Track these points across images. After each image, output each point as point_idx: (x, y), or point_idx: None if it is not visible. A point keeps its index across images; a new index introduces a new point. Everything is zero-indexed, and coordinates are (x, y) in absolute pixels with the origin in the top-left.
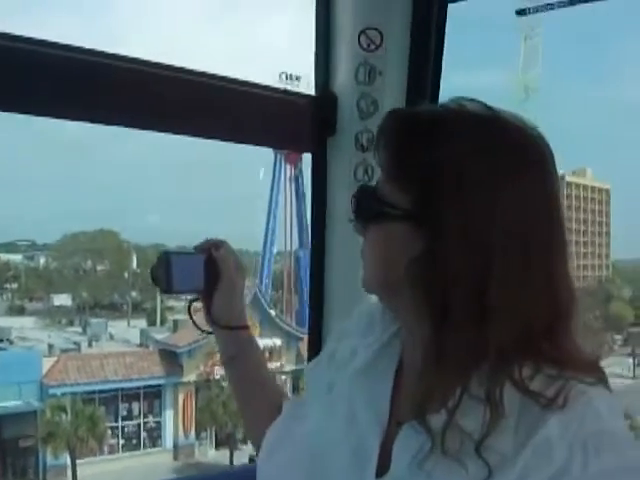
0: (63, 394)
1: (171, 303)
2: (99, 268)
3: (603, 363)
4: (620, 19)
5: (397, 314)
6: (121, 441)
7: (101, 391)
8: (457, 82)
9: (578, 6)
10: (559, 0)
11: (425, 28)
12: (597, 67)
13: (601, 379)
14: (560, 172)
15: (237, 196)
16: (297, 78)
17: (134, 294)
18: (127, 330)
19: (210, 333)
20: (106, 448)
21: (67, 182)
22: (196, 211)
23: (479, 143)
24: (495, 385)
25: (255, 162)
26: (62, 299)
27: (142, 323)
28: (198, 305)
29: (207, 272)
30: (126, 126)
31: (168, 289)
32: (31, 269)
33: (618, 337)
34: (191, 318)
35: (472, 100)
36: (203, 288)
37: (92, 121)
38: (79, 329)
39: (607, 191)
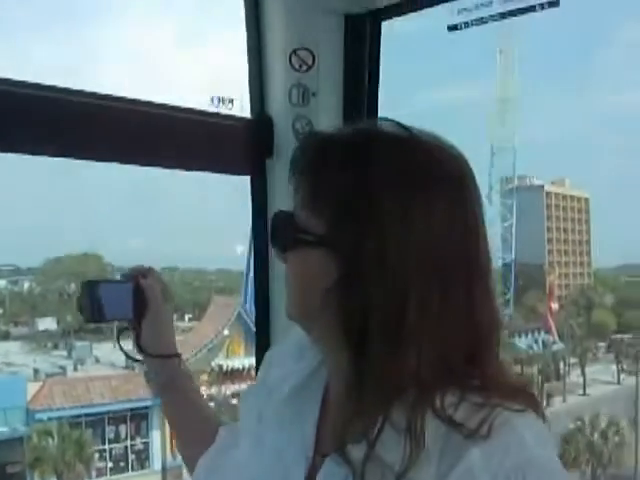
0: (49, 419)
1: None
2: None
3: (589, 370)
4: (597, 27)
5: (318, 342)
6: (109, 464)
7: (87, 414)
8: (435, 97)
9: (557, 15)
10: (490, 15)
11: (358, 47)
12: (575, 76)
13: (530, 405)
14: (539, 182)
15: (220, 218)
16: (230, 101)
17: None
18: (112, 352)
19: (140, 361)
20: (94, 472)
21: (50, 205)
22: (178, 233)
23: (392, 165)
24: (416, 415)
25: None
26: (47, 323)
27: (128, 345)
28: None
29: (135, 300)
30: (66, 157)
31: (96, 318)
32: (15, 294)
33: (602, 344)
34: (120, 347)
35: (390, 121)
36: (131, 316)
37: (33, 153)
38: (64, 353)
39: (586, 200)
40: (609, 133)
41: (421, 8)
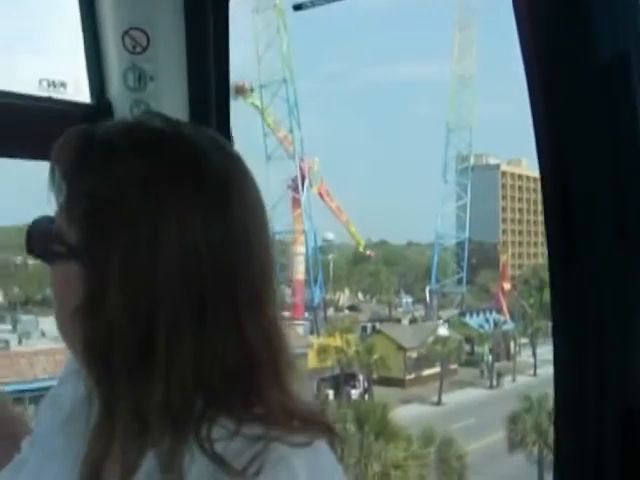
0: None
1: None
2: (30, 263)
3: (540, 350)
4: None
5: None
6: None
7: (31, 390)
8: (392, 73)
9: None
10: None
11: (201, 27)
12: None
13: (322, 434)
14: (495, 162)
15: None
16: (63, 85)
17: None
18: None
19: None
20: None
21: None
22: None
23: (144, 168)
24: (173, 452)
25: None
26: None
27: None
28: None
29: None
30: None
31: None
32: None
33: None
34: None
35: (158, 116)
36: None
37: None
38: (9, 326)
39: None
40: None
41: None
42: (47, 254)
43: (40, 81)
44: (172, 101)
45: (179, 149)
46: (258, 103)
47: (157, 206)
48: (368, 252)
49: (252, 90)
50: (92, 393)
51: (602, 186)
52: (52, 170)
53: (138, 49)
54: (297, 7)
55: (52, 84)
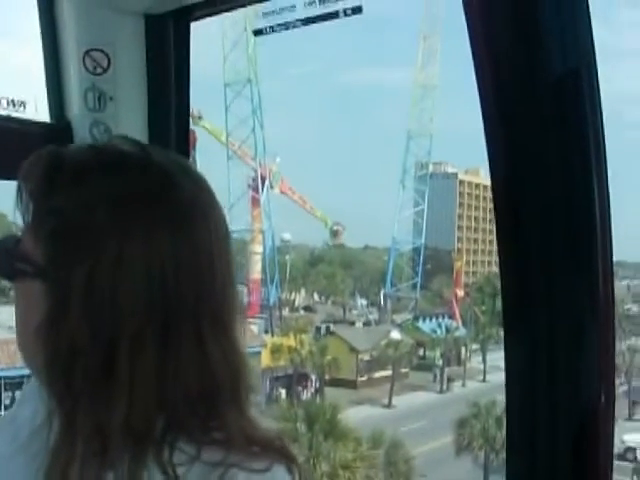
0: None
1: None
2: None
3: (491, 357)
4: None
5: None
6: None
7: None
8: (353, 81)
9: None
10: (296, 19)
11: (162, 49)
12: None
13: (281, 460)
14: (453, 170)
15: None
16: (22, 104)
17: None
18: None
19: None
20: None
21: None
22: None
23: (112, 189)
24: (133, 472)
25: None
26: None
27: None
28: None
29: None
30: None
31: None
32: None
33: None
34: None
35: (127, 140)
36: None
37: None
38: None
39: None
40: None
41: (227, 10)
42: (12, 273)
43: None
44: (131, 122)
45: (147, 172)
46: (208, 126)
47: (124, 226)
48: (335, 227)
49: (200, 117)
50: (53, 412)
51: (553, 201)
52: (19, 189)
53: (99, 70)
54: (257, 32)
55: (11, 103)
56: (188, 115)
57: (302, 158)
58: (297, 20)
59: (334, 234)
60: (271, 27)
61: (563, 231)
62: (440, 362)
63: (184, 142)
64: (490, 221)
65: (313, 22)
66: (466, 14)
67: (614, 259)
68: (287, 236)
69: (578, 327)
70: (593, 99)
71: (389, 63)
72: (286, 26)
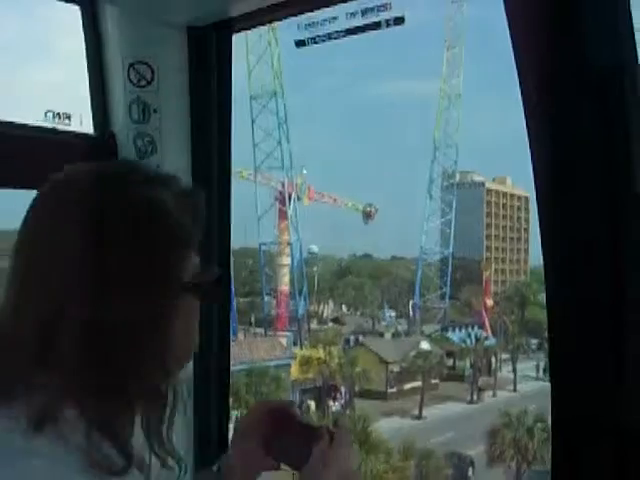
0: None
1: None
2: None
3: (520, 366)
4: None
5: None
6: None
7: None
8: (382, 90)
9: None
10: (336, 30)
11: (204, 61)
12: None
13: None
14: (480, 179)
15: None
16: (68, 117)
17: None
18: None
19: None
20: None
21: None
22: None
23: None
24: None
25: None
26: None
27: None
28: None
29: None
30: None
31: None
32: None
33: (534, 341)
34: None
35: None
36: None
37: None
38: None
39: (526, 199)
40: None
41: (270, 22)
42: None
43: (46, 112)
44: (175, 133)
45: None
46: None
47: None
48: (368, 209)
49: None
50: None
51: (595, 209)
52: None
53: (143, 82)
54: (299, 43)
55: (57, 115)
56: (230, 125)
57: (329, 171)
58: (338, 32)
59: (367, 215)
60: (312, 39)
61: (606, 232)
62: (470, 372)
63: (227, 152)
64: (517, 230)
65: (354, 33)
66: (507, 14)
67: None
68: (315, 248)
69: (620, 329)
70: (636, 96)
71: (416, 75)
72: (328, 37)
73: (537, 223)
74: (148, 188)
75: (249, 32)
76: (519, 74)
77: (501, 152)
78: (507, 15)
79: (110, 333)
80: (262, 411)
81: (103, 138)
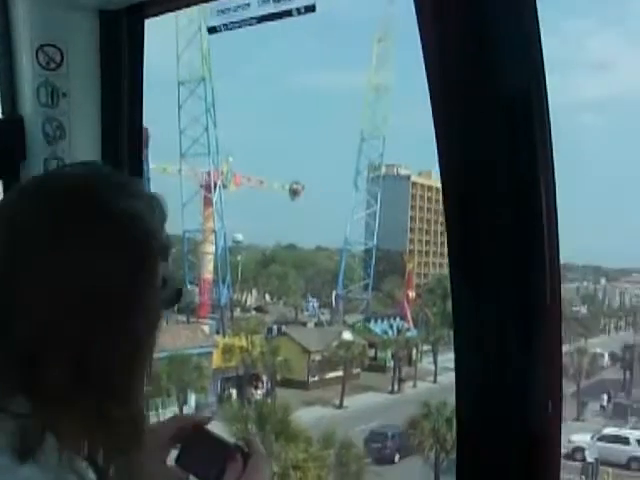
0: None
1: None
2: None
3: (442, 358)
4: None
5: None
6: None
7: None
8: (308, 82)
9: None
10: (250, 17)
11: (115, 46)
12: None
13: None
14: (406, 172)
15: None
16: None
17: None
18: None
19: None
20: None
21: None
22: None
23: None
24: None
25: None
26: None
27: None
28: None
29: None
30: None
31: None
32: None
33: None
34: None
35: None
36: None
37: None
38: None
39: None
40: None
41: (180, 7)
42: None
43: None
44: (84, 119)
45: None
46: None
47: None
48: (295, 186)
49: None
50: None
51: (501, 204)
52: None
53: (52, 65)
54: (211, 30)
55: None
56: (142, 111)
57: (257, 157)
58: (251, 18)
59: (294, 192)
60: (225, 25)
61: (511, 232)
62: (391, 363)
63: (138, 138)
64: (442, 223)
65: (267, 20)
66: (419, 24)
67: (563, 262)
68: (239, 236)
69: (526, 329)
70: (542, 112)
71: (344, 65)
72: (240, 24)
73: None
74: (124, 200)
75: (180, 16)
76: (428, 81)
77: (428, 146)
78: (419, 24)
79: (98, 361)
80: (177, 422)
81: (11, 122)
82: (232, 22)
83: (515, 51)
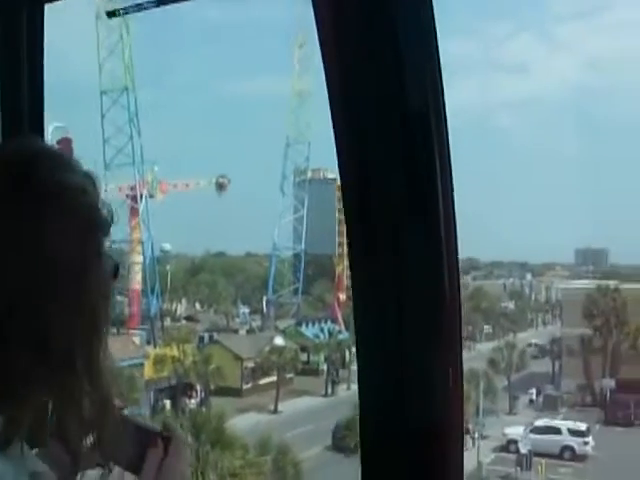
0: None
1: None
2: None
3: None
4: None
5: None
6: None
7: None
8: (236, 90)
9: None
10: (147, 1)
11: (13, 33)
12: None
13: None
14: (332, 176)
15: None
16: None
17: None
18: None
19: None
20: None
21: None
22: None
23: None
24: None
25: None
26: None
27: None
28: None
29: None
30: None
31: None
32: None
33: None
34: None
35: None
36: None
37: None
38: None
39: None
40: None
41: None
42: None
43: None
44: None
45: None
46: None
47: None
48: (221, 180)
49: None
50: None
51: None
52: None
53: None
54: (110, 14)
55: None
56: (42, 100)
57: (183, 163)
58: (149, 2)
59: (220, 186)
60: (124, 9)
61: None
62: (324, 366)
63: (38, 118)
64: None
65: (165, 3)
66: (320, 42)
67: (490, 259)
68: (167, 246)
69: (426, 326)
70: (438, 111)
71: (273, 72)
72: (138, 7)
73: None
74: (67, 174)
75: (101, 25)
76: (329, 94)
77: None
78: (320, 42)
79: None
80: None
81: None
82: (130, 6)
83: (412, 50)
